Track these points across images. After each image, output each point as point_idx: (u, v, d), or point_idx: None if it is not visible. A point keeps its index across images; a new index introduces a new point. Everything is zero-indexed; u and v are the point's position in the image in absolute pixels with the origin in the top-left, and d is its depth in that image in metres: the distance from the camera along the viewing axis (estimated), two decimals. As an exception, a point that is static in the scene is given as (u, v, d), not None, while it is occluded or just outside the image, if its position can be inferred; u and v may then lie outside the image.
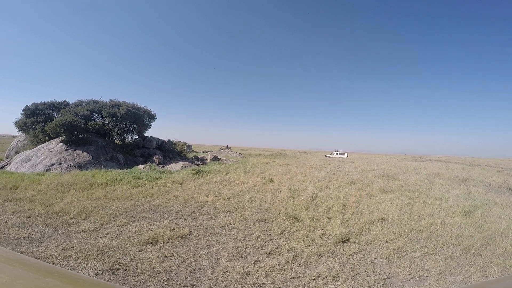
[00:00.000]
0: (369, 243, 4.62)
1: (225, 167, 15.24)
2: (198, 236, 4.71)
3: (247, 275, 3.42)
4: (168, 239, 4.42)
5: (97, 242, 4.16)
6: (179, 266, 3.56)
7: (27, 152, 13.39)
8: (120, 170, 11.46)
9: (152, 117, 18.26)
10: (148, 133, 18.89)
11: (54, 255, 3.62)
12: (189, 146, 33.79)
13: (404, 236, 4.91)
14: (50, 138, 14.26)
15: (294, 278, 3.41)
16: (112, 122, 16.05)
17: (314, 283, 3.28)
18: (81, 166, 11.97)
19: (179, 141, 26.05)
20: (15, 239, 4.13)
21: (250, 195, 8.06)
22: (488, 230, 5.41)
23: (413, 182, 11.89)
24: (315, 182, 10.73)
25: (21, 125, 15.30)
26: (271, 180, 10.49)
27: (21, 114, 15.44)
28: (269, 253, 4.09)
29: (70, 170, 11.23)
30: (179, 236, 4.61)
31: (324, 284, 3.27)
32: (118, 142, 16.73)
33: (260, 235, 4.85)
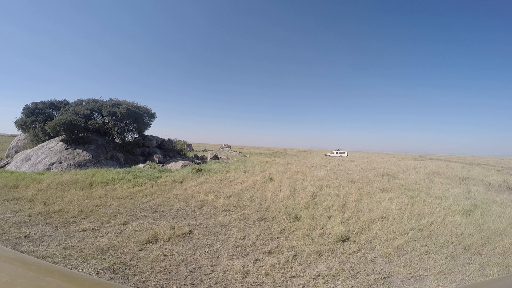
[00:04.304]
0: (369, 242, 4.63)
1: (225, 166, 15.25)
2: (198, 235, 4.72)
3: (247, 274, 3.42)
4: (169, 238, 4.43)
5: (98, 241, 4.16)
6: (179, 265, 3.57)
7: (27, 151, 13.39)
8: (120, 169, 11.47)
9: (152, 116, 18.25)
10: (148, 132, 18.90)
11: (55, 254, 3.63)
12: (189, 145, 33.80)
13: (404, 235, 4.92)
14: (50, 137, 14.25)
15: (294, 277, 3.41)
16: (112, 121, 16.04)
17: (314, 282, 3.29)
18: (81, 165, 11.97)
19: (179, 140, 26.07)
20: (16, 238, 4.14)
21: (250, 194, 8.06)
22: (488, 229, 5.41)
23: (413, 181, 11.90)
24: (315, 181, 10.74)
25: (21, 124, 15.29)
26: (271, 179, 10.50)
27: (21, 113, 15.42)
28: (269, 252, 4.10)
29: (70, 169, 11.24)
30: (180, 235, 4.62)
31: (324, 283, 3.27)
32: (118, 141, 16.73)
33: (260, 234, 4.86)
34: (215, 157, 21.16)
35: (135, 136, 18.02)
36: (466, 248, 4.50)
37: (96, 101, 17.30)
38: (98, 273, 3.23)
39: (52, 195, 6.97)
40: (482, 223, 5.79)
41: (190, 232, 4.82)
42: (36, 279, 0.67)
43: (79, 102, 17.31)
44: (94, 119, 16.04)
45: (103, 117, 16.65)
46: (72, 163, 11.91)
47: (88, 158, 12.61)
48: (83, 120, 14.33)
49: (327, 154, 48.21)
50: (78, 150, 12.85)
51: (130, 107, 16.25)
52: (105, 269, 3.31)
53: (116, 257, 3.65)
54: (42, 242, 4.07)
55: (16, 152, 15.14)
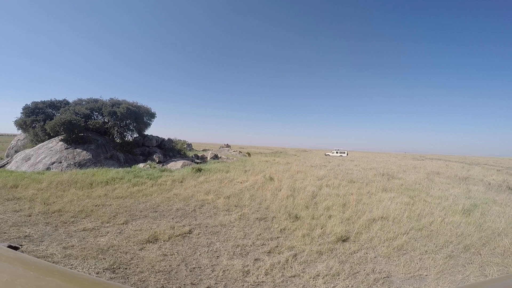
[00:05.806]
0: (369, 242, 4.63)
1: (225, 165, 15.25)
2: (198, 234, 4.73)
3: (247, 273, 3.43)
4: (169, 238, 4.44)
5: (98, 241, 4.17)
6: (179, 265, 3.57)
7: (27, 150, 13.39)
8: (120, 169, 11.47)
9: (152, 115, 18.24)
10: (148, 132, 18.90)
11: (55, 254, 3.63)
12: (189, 145, 33.78)
13: (404, 235, 4.92)
14: (50, 137, 14.25)
15: (294, 276, 3.42)
16: (112, 120, 16.04)
17: (314, 282, 3.29)
18: (81, 165, 11.97)
19: (179, 140, 26.06)
20: (16, 238, 4.14)
21: (250, 193, 8.06)
22: (488, 229, 5.42)
23: (413, 181, 11.90)
24: (315, 180, 10.74)
25: (21, 124, 15.29)
26: (271, 179, 10.50)
27: (21, 113, 15.42)
28: (269, 252, 4.10)
29: (70, 169, 11.24)
30: (179, 234, 4.62)
31: (324, 283, 3.28)
32: (118, 140, 16.72)
33: (260, 234, 4.86)
34: (215, 157, 21.16)
35: (135, 136, 18.01)
36: (466, 248, 4.50)
37: (96, 100, 17.29)
38: (98, 272, 3.23)
39: (52, 194, 6.97)
40: (482, 223, 5.80)
41: (190, 231, 4.83)
42: (36, 279, 0.67)
43: (79, 102, 17.31)
44: (94, 119, 16.04)
45: (103, 116, 16.65)
46: (72, 163, 11.91)
47: (88, 157, 12.61)
48: (83, 119, 14.33)
49: (327, 153, 48.19)
50: (78, 150, 12.85)
51: (130, 106, 16.25)
52: (105, 269, 3.31)
53: (116, 257, 3.66)
54: (42, 241, 4.07)
55: (16, 151, 15.14)
